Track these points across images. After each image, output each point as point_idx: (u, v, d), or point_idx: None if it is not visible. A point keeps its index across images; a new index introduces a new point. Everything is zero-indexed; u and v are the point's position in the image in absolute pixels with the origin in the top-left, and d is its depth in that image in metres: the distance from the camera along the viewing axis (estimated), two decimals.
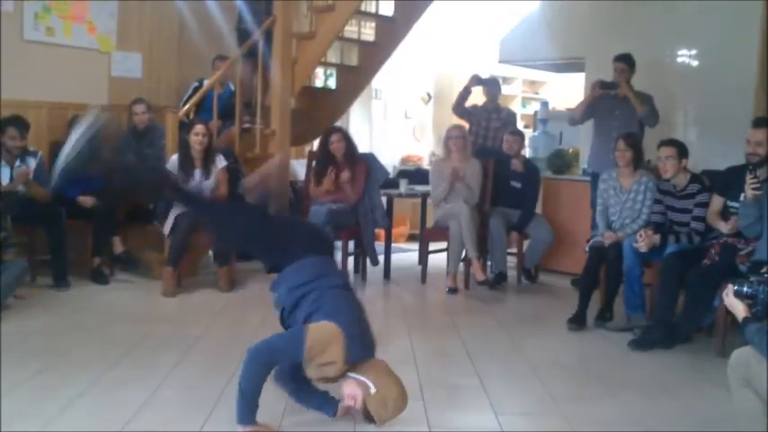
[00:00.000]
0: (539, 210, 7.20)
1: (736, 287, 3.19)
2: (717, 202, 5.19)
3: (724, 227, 4.98)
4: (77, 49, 7.04)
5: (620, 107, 6.57)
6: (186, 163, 6.23)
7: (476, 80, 7.74)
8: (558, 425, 3.68)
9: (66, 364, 4.28)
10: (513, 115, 7.98)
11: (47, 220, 6.07)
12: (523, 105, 11.76)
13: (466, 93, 7.74)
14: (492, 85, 7.81)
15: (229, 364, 3.97)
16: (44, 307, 5.57)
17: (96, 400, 3.79)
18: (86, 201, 6.35)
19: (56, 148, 6.54)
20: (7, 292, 5.35)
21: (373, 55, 8.43)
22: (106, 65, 7.29)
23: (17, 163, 6.03)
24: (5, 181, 5.98)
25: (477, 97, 7.87)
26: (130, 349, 4.57)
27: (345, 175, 6.48)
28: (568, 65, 8.98)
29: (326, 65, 8.91)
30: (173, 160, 6.28)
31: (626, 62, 6.54)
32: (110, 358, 4.37)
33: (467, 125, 7.58)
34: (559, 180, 7.53)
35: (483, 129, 7.61)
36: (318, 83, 9.54)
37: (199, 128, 6.22)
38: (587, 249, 5.81)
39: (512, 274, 6.91)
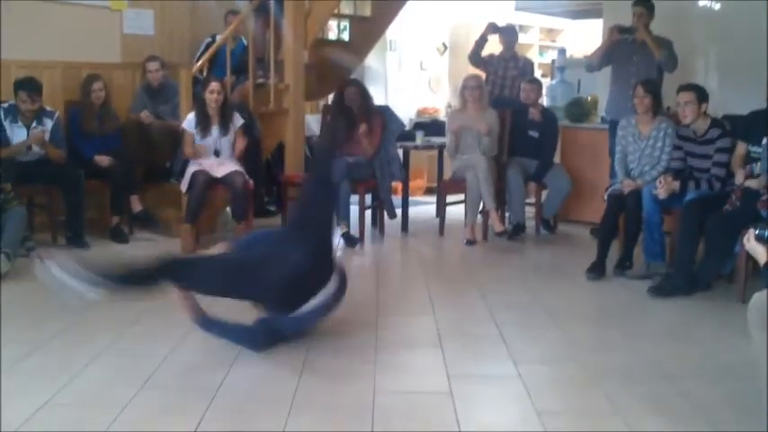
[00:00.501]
0: (557, 159, 7.13)
1: (757, 231, 3.14)
2: (741, 147, 5.12)
3: (753, 183, 4.87)
4: (89, 8, 6.97)
5: (638, 53, 6.46)
6: (203, 120, 6.22)
7: (492, 28, 7.65)
8: (577, 373, 3.68)
9: (88, 322, 4.31)
10: (530, 64, 7.89)
11: (64, 180, 6.09)
12: (541, 54, 11.64)
13: (482, 41, 7.65)
14: (508, 33, 7.71)
15: (247, 319, 3.98)
16: None
17: (118, 356, 3.83)
18: (103, 160, 6.36)
19: (70, 108, 6.55)
20: (14, 242, 5.39)
21: (386, 5, 8.33)
22: (118, 22, 7.23)
23: (33, 124, 6.04)
24: (19, 140, 6.01)
25: (494, 46, 7.77)
26: (148, 307, 4.58)
27: (362, 127, 6.43)
28: (586, 11, 8.87)
29: (340, 16, 8.82)
30: (189, 118, 6.27)
31: (645, 6, 6.42)
32: (131, 315, 4.42)
33: (483, 75, 7.51)
34: (577, 128, 7.44)
35: (500, 78, 7.54)
36: (332, 35, 9.45)
37: (214, 85, 6.19)
38: (606, 198, 5.76)
39: (530, 224, 6.88)
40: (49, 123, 6.14)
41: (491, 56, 7.67)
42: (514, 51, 7.72)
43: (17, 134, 6.01)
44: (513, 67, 7.53)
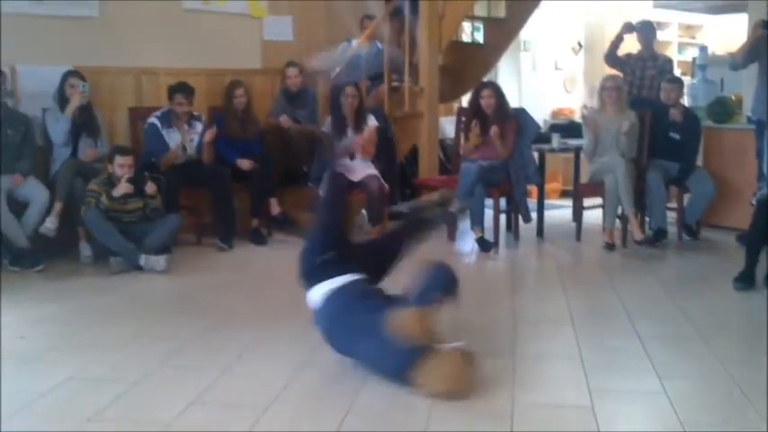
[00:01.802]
0: (700, 162, 6.88)
1: None
2: None
3: None
4: (231, 16, 7.22)
5: None
6: (339, 123, 6.34)
7: (628, 27, 7.47)
8: (727, 390, 3.53)
9: (230, 323, 4.47)
10: (669, 62, 7.66)
11: (213, 181, 6.35)
12: (680, 51, 11.28)
13: (617, 41, 7.48)
14: (646, 31, 7.49)
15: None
16: (207, 267, 5.86)
17: (261, 356, 3.94)
18: (244, 163, 6.54)
19: (214, 113, 6.78)
20: (162, 245, 5.70)
21: (521, 6, 8.26)
22: (258, 29, 7.44)
23: (186, 127, 6.32)
24: (174, 145, 6.30)
25: (631, 45, 7.58)
26: (290, 309, 4.69)
27: (493, 129, 6.37)
28: (728, 6, 8.58)
29: (473, 18, 8.79)
30: (329, 122, 6.41)
31: None
32: (271, 317, 4.55)
33: (621, 75, 7.33)
34: (721, 129, 7.17)
35: (638, 78, 7.35)
36: (465, 37, 9.43)
37: (349, 89, 6.30)
38: (754, 203, 5.53)
39: (672, 230, 6.66)
40: (199, 126, 6.45)
41: (628, 55, 7.48)
42: (653, 50, 7.51)
43: (173, 140, 6.32)
44: (651, 66, 7.33)
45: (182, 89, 6.31)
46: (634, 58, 7.45)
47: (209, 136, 6.38)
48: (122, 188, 5.59)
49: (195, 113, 6.47)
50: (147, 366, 3.74)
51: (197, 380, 3.57)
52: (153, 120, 6.29)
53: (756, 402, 3.35)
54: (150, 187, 5.72)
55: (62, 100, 6.00)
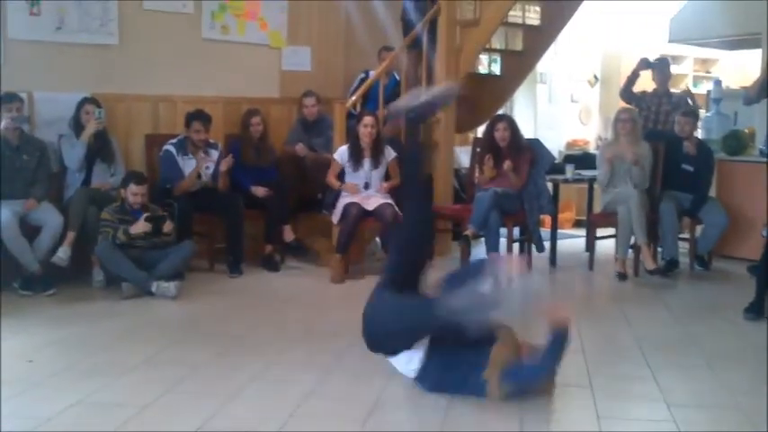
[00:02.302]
0: (713, 193, 6.92)
1: None
2: None
3: None
4: (250, 45, 7.33)
5: None
6: (356, 153, 6.42)
7: (644, 64, 7.52)
8: (735, 419, 3.56)
9: (240, 348, 4.50)
10: (684, 99, 7.69)
11: (226, 208, 6.39)
12: (695, 85, 11.35)
13: (634, 77, 7.53)
14: (662, 68, 7.55)
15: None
16: (219, 293, 5.88)
17: (269, 383, 3.95)
18: (259, 191, 6.61)
19: (230, 141, 6.88)
20: (175, 272, 5.74)
21: (538, 39, 8.35)
22: (277, 59, 7.55)
23: (201, 155, 6.39)
24: (189, 171, 6.35)
25: (645, 82, 7.64)
26: (301, 335, 4.75)
27: (507, 164, 6.44)
28: (743, 41, 8.63)
29: (491, 51, 8.88)
30: (341, 150, 6.48)
31: None
32: (281, 343, 4.57)
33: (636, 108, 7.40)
34: (734, 162, 7.22)
35: (653, 113, 7.39)
36: (482, 69, 9.52)
37: (368, 119, 6.38)
38: (765, 234, 5.56)
39: (684, 260, 6.70)
40: (215, 154, 6.50)
41: (644, 92, 7.54)
42: (667, 87, 7.56)
43: (188, 167, 6.37)
44: (666, 102, 7.37)
45: (199, 117, 6.38)
46: (650, 95, 7.50)
47: (225, 165, 6.45)
48: (140, 227, 5.64)
49: (212, 141, 6.53)
50: (156, 391, 3.73)
51: (205, 406, 3.58)
52: (169, 147, 6.36)
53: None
54: (168, 226, 5.77)
55: (78, 126, 6.07)
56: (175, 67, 6.86)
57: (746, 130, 7.60)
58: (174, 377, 3.95)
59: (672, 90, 7.71)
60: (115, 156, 6.28)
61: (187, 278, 5.96)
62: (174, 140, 6.42)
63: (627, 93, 7.51)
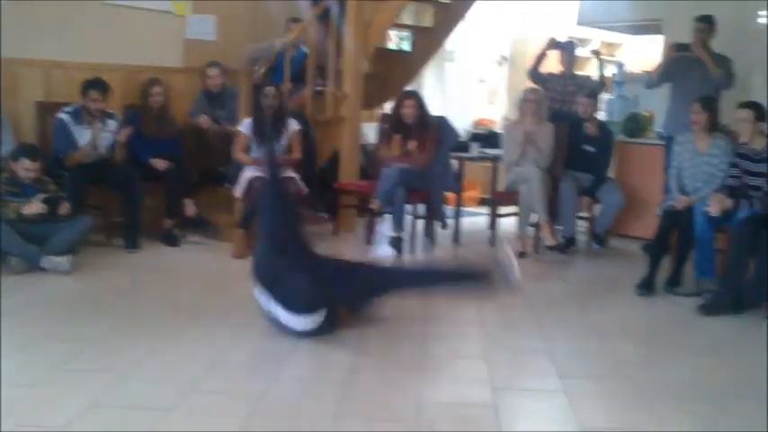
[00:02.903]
0: (611, 174, 7.07)
1: None
2: None
3: None
4: (153, 12, 7.11)
5: (697, 69, 6.44)
6: (259, 125, 6.31)
7: (552, 43, 7.60)
8: (623, 389, 3.65)
9: (136, 324, 4.39)
10: (589, 80, 7.80)
11: (123, 181, 6.19)
12: (602, 68, 11.50)
13: (541, 57, 7.60)
14: (568, 51, 7.64)
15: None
16: (115, 267, 5.70)
17: (165, 358, 3.88)
18: (159, 163, 6.43)
19: (129, 111, 6.69)
20: (69, 246, 5.53)
21: (448, 16, 8.35)
22: (181, 27, 7.36)
23: (99, 125, 6.18)
24: (84, 142, 6.12)
25: (554, 63, 7.72)
26: (200, 310, 4.67)
27: (412, 144, 6.44)
28: (646, 27, 8.80)
29: (401, 26, 8.86)
30: (246, 123, 6.37)
31: (705, 23, 6.39)
32: (179, 319, 4.48)
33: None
34: (633, 144, 7.39)
35: (559, 94, 7.48)
36: (392, 45, 9.49)
37: (269, 90, 6.28)
38: (659, 213, 5.71)
39: (582, 238, 6.84)
40: (113, 125, 6.28)
41: (551, 74, 7.63)
42: (572, 70, 7.66)
43: (83, 137, 6.12)
44: (571, 83, 7.47)
45: (96, 85, 6.12)
46: (556, 76, 7.59)
47: (124, 136, 6.27)
48: (35, 208, 5.40)
49: (109, 111, 6.29)
50: (46, 369, 3.63)
51: (98, 382, 3.50)
52: (62, 115, 6.09)
53: (652, 403, 3.47)
54: (64, 208, 5.56)
55: None
56: (71, 32, 6.55)
57: (646, 113, 7.77)
58: (65, 354, 3.84)
59: (577, 72, 7.81)
60: (1, 123, 5.99)
61: (82, 253, 5.75)
62: (68, 108, 6.14)
63: (535, 73, 7.58)
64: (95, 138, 6.15)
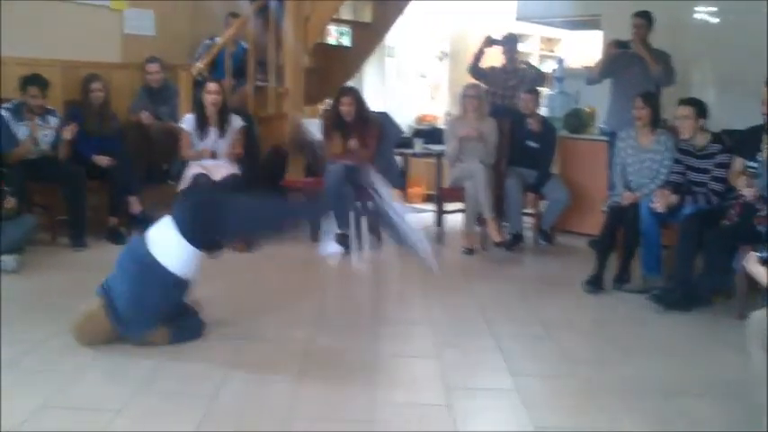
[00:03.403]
0: (556, 170, 7.12)
1: (759, 254, 3.15)
2: (738, 163, 5.13)
3: (748, 192, 4.85)
4: (89, 6, 6.98)
5: (637, 65, 6.53)
6: (201, 122, 6.23)
7: (489, 41, 7.61)
8: (574, 387, 3.67)
9: None
10: (529, 70, 7.82)
11: (66, 179, 6.10)
12: (540, 63, 11.62)
13: (480, 54, 7.61)
14: (509, 44, 7.66)
15: (241, 322, 3.98)
16: (62, 266, 5.62)
17: (113, 359, 3.80)
18: (102, 160, 6.33)
19: (70, 107, 6.53)
20: (14, 246, 5.45)
21: (387, 11, 8.34)
22: (119, 22, 7.23)
23: (38, 121, 6.07)
24: (24, 138, 6.03)
25: (494, 58, 7.75)
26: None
27: (353, 142, 6.40)
28: (585, 22, 8.91)
29: (340, 21, 8.81)
30: (188, 119, 6.27)
31: (643, 18, 6.48)
32: None
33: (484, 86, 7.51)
34: (576, 140, 7.45)
35: (500, 89, 7.51)
36: (332, 40, 9.44)
37: (212, 86, 6.20)
38: (605, 210, 5.77)
39: (528, 235, 6.88)
40: (53, 121, 6.19)
41: (492, 68, 7.65)
42: (515, 62, 7.68)
43: (23, 133, 6.04)
44: (512, 77, 7.50)
45: (36, 81, 6.04)
46: (498, 70, 7.62)
47: (69, 133, 6.15)
48: None
49: (49, 108, 6.20)
50: None
51: (47, 383, 3.44)
52: (2, 112, 5.99)
53: (604, 402, 3.49)
54: (9, 203, 5.48)
55: None
56: (6, 26, 6.39)
57: (588, 109, 7.85)
58: (13, 354, 3.77)
59: (519, 66, 7.85)
60: None
61: (28, 251, 5.67)
62: (8, 105, 6.05)
63: (474, 69, 7.59)
64: (34, 133, 6.04)
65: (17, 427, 3.01)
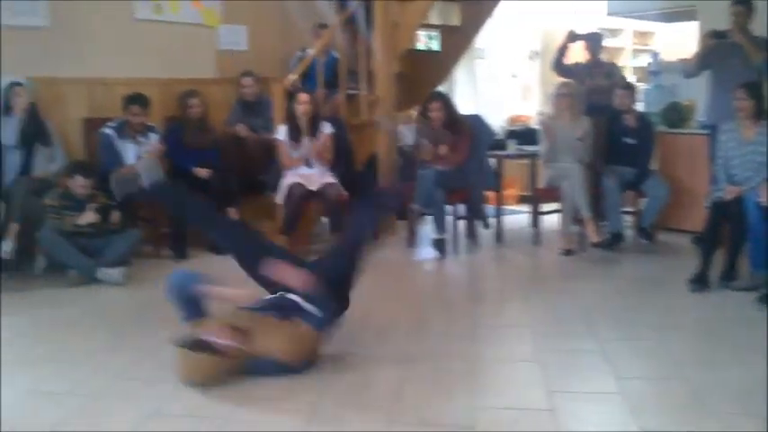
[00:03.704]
0: (654, 166, 6.95)
1: None
2: None
3: None
4: (184, 25, 7.16)
5: (737, 55, 6.27)
6: (294, 132, 6.31)
7: (571, 37, 7.49)
8: (682, 390, 3.56)
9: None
10: (615, 67, 7.69)
11: None
12: (634, 57, 11.40)
13: (563, 50, 7.51)
14: (593, 40, 7.54)
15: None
16: (165, 278, 5.72)
17: None
18: (202, 172, 6.48)
19: (169, 123, 6.72)
20: (120, 259, 5.65)
21: (476, 13, 8.29)
22: (213, 39, 7.40)
23: (141, 139, 6.26)
24: (131, 158, 6.23)
25: (581, 53, 7.62)
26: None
27: (443, 149, 6.38)
28: (679, 13, 8.70)
29: (429, 27, 8.81)
30: (281, 130, 6.37)
31: (743, 6, 6.24)
32: None
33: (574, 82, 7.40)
34: (675, 134, 7.25)
35: (586, 85, 7.38)
36: (421, 45, 9.44)
37: (303, 97, 6.28)
38: (708, 205, 5.59)
39: (628, 234, 6.73)
40: (154, 138, 6.37)
41: (576, 64, 7.53)
42: (599, 58, 7.56)
43: (128, 151, 6.24)
44: (597, 73, 7.36)
45: (137, 100, 6.24)
46: (581, 66, 7.50)
47: (152, 154, 6.30)
48: (88, 217, 5.56)
49: (150, 124, 6.39)
50: (106, 378, 3.70)
51: (157, 391, 3.53)
52: (107, 130, 6.21)
53: (710, 403, 3.38)
54: (115, 216, 5.69)
55: (7, 110, 5.94)
56: (109, 49, 6.67)
57: (686, 103, 7.65)
58: (124, 363, 3.91)
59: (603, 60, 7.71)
60: (51, 139, 6.12)
61: (134, 264, 5.87)
62: (112, 124, 6.27)
63: (558, 65, 7.48)
64: (140, 151, 6.25)
65: None
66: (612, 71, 7.46)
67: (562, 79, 7.33)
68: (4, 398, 3.46)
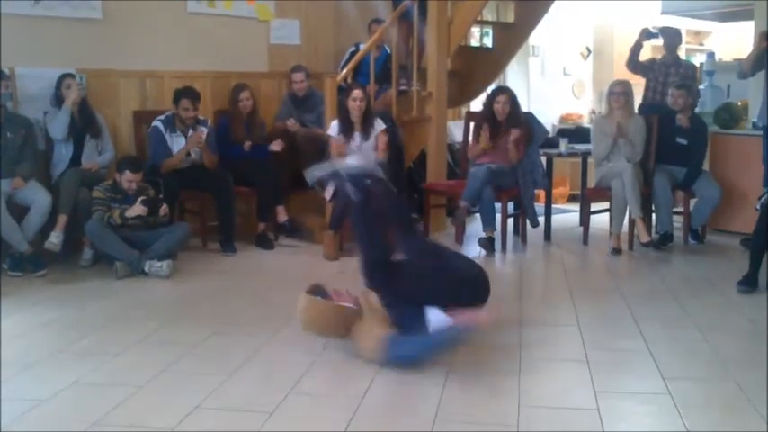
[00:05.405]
0: (706, 167, 6.88)
1: None
2: None
3: None
4: (237, 19, 7.22)
5: None
6: (346, 127, 6.35)
7: (645, 34, 7.43)
8: (731, 391, 3.54)
9: (235, 327, 4.46)
10: (692, 68, 7.61)
11: (216, 186, 6.31)
12: (688, 57, 11.25)
13: (637, 48, 7.44)
14: (671, 37, 7.45)
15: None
16: (212, 271, 5.83)
17: (265, 361, 3.93)
18: (276, 145, 6.70)
19: (220, 117, 6.79)
20: (168, 252, 5.71)
21: (530, 10, 8.26)
22: (265, 33, 7.45)
23: (190, 132, 6.30)
24: (177, 149, 6.27)
25: (648, 51, 7.55)
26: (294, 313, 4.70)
27: (514, 133, 6.39)
28: (735, 13, 8.57)
29: (482, 23, 8.80)
30: (333, 125, 6.41)
31: None
32: (275, 322, 4.50)
33: (644, 81, 7.35)
34: (728, 135, 7.16)
35: (661, 84, 7.31)
36: (474, 42, 9.43)
37: (356, 92, 6.30)
38: (758, 207, 5.52)
39: (678, 234, 6.67)
40: (203, 131, 6.38)
41: (652, 61, 7.46)
42: (677, 55, 7.48)
43: (177, 144, 6.28)
44: (674, 73, 7.28)
45: (187, 94, 6.27)
46: (658, 63, 7.42)
47: (195, 140, 6.26)
48: (137, 210, 5.60)
49: (201, 118, 6.43)
50: (152, 371, 3.72)
51: (202, 384, 3.56)
52: (157, 123, 6.26)
53: (758, 404, 3.36)
54: (164, 210, 5.74)
55: (59, 102, 5.96)
56: (161, 42, 6.74)
57: (739, 103, 7.56)
58: (169, 357, 3.93)
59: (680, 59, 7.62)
60: (102, 132, 6.19)
61: (180, 257, 5.93)
62: (162, 117, 6.31)
63: (633, 63, 7.42)
64: (190, 146, 6.28)
65: (174, 427, 3.14)
66: (688, 71, 7.36)
67: (615, 76, 7.27)
68: (50, 390, 3.49)
